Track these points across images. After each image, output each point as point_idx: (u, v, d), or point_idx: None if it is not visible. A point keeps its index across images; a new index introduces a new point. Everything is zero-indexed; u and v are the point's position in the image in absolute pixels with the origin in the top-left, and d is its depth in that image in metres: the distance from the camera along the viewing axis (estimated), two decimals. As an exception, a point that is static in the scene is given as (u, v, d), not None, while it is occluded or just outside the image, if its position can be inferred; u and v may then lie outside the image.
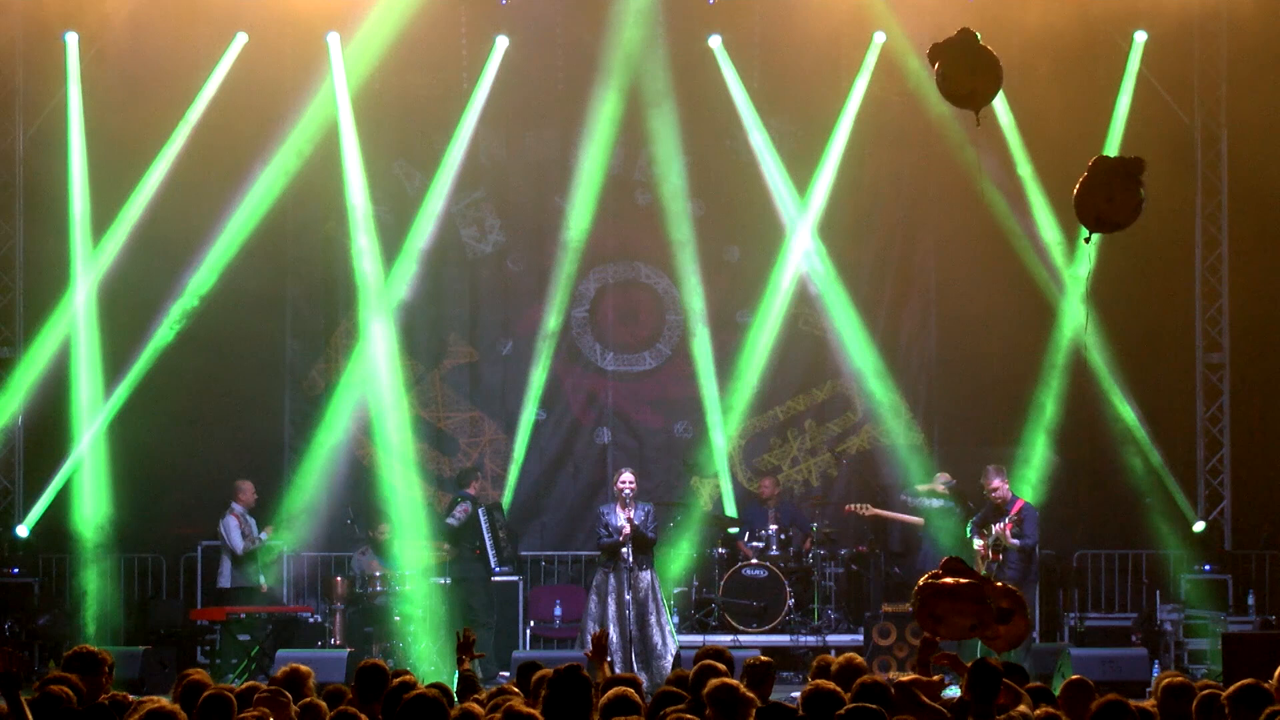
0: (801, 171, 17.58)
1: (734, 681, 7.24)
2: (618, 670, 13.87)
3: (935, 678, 7.75)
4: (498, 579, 16.04)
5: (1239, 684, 7.06)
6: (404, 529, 16.53)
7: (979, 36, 8.52)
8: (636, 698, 6.83)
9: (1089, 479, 17.28)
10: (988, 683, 7.25)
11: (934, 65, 8.44)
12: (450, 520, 15.88)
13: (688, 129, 17.54)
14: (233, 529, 15.70)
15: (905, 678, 7.37)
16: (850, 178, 17.52)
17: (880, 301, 17.79)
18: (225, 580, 15.78)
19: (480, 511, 15.80)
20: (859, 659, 8.21)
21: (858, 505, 16.24)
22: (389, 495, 17.27)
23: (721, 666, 7.89)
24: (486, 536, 15.70)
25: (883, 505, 16.61)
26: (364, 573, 15.85)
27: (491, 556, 15.72)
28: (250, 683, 7.84)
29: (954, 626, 7.92)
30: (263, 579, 15.89)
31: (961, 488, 15.80)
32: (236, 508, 15.81)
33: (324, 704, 7.28)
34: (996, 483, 14.98)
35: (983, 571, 14.95)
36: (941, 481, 15.99)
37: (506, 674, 13.86)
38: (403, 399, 17.50)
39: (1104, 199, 7.69)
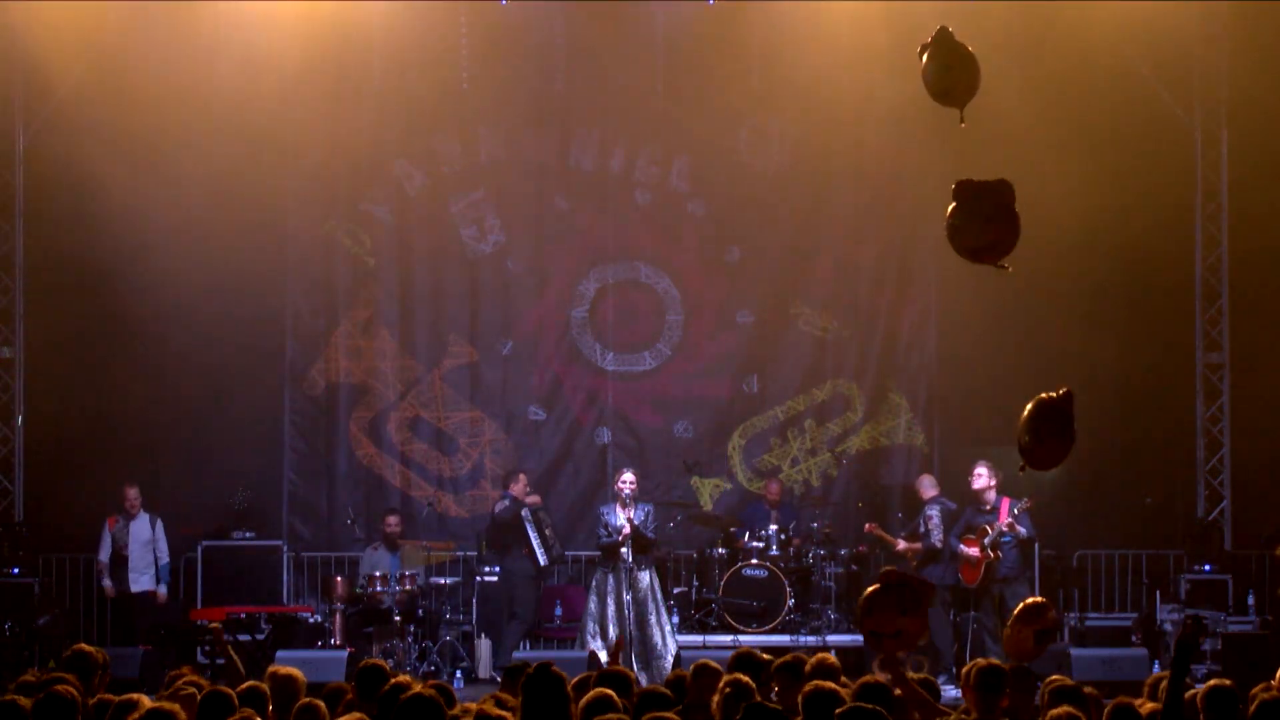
0: (801, 171, 17.61)
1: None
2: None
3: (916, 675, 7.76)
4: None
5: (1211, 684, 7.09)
6: (406, 529, 16.58)
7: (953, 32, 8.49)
8: (615, 697, 6.83)
9: (1089, 479, 17.28)
10: (993, 684, 7.25)
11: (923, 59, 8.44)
12: (497, 509, 15.94)
13: (688, 129, 17.58)
14: (104, 535, 15.88)
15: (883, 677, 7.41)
16: (851, 177, 17.54)
17: (880, 301, 17.80)
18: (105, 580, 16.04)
19: (524, 513, 15.83)
20: (831, 658, 8.26)
21: (872, 525, 16.31)
22: (390, 495, 17.32)
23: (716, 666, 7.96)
24: (532, 536, 15.77)
25: (883, 506, 16.91)
26: (371, 571, 15.86)
27: (540, 555, 15.81)
28: (251, 683, 7.83)
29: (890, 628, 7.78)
30: (160, 587, 16.00)
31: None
32: (118, 518, 15.91)
33: (322, 704, 7.28)
34: (981, 470, 15.17)
35: (980, 574, 15.05)
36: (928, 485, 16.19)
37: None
38: (403, 399, 17.52)
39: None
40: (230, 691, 7.31)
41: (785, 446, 17.77)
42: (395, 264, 17.63)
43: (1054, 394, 7.38)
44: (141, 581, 15.89)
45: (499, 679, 12.13)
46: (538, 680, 6.08)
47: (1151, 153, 17.00)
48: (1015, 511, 14.99)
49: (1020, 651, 7.92)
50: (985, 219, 7.66)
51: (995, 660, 7.53)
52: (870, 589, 7.41)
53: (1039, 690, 7.82)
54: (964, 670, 8.05)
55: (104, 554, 15.92)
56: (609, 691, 6.86)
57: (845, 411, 17.81)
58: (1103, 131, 16.80)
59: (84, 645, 8.30)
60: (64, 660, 8.12)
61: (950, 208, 7.78)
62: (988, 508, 15.24)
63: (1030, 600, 8.09)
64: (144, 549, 15.91)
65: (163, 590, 16.03)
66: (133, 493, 15.97)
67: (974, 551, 15.09)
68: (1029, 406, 7.40)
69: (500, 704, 7.13)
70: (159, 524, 16.03)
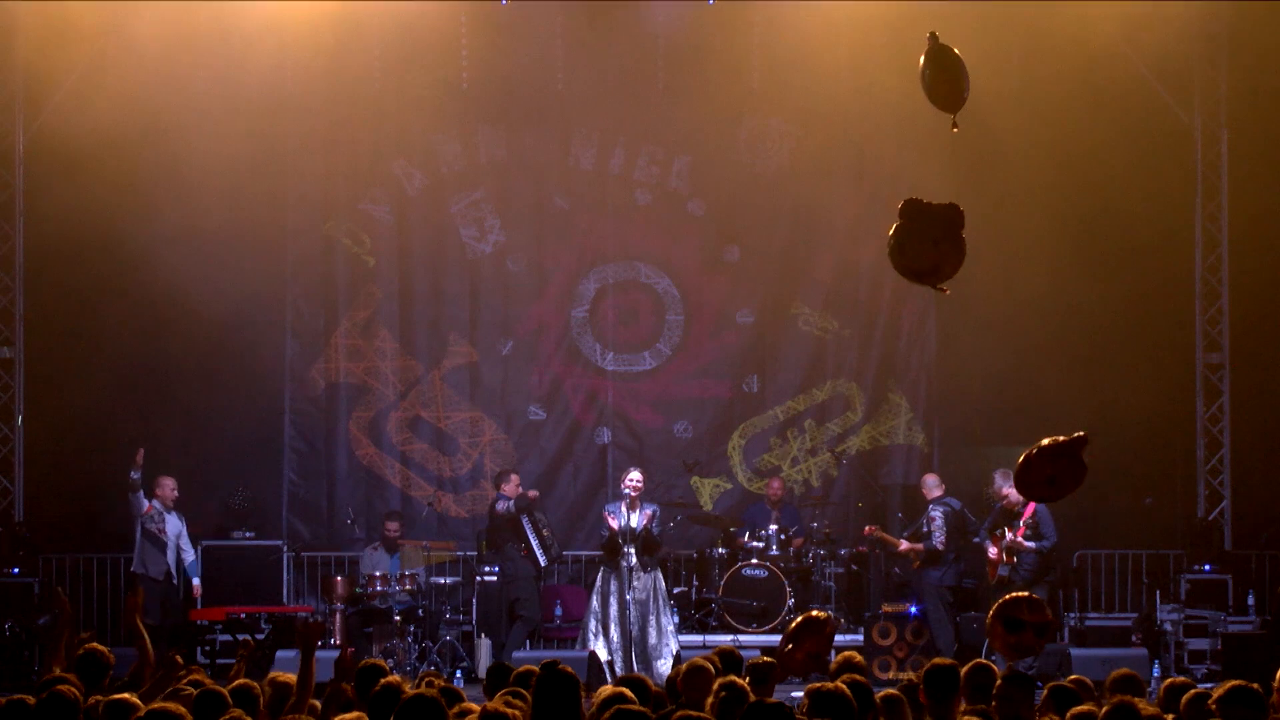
0: (801, 171, 17.62)
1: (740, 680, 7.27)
2: (619, 671, 13.94)
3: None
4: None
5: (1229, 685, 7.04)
6: (405, 529, 16.60)
7: (939, 37, 8.51)
8: (632, 696, 6.82)
9: (1089, 479, 17.21)
10: (944, 683, 7.15)
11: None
12: (499, 506, 15.87)
13: (688, 128, 17.59)
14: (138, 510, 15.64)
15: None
16: (850, 177, 17.55)
17: (880, 301, 17.81)
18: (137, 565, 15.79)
19: (522, 518, 15.81)
20: (858, 657, 8.24)
21: (872, 528, 16.24)
22: (390, 495, 17.33)
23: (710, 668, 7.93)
24: (531, 539, 15.76)
25: (883, 506, 16.90)
26: (371, 571, 15.87)
27: (540, 555, 15.79)
28: (242, 680, 7.83)
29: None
30: (195, 580, 15.92)
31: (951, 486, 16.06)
32: (154, 503, 15.66)
33: (319, 704, 7.29)
34: (1007, 489, 15.09)
35: (997, 574, 15.03)
36: (932, 484, 16.05)
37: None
38: (403, 399, 17.53)
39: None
40: (224, 691, 7.31)
41: (785, 446, 17.78)
42: (395, 264, 17.64)
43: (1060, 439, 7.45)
44: (162, 570, 15.76)
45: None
46: (548, 679, 6.07)
47: (1151, 153, 16.99)
48: (1031, 519, 14.98)
49: (993, 644, 7.89)
50: (933, 241, 7.64)
51: (948, 660, 7.45)
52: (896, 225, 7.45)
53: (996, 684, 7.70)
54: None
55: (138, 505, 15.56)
56: (626, 690, 6.86)
57: (845, 411, 17.82)
58: (1103, 131, 16.79)
59: (97, 645, 8.28)
60: (76, 660, 8.11)
61: (895, 225, 7.75)
62: (1016, 508, 15.20)
63: (1010, 596, 8.05)
64: (175, 542, 15.81)
65: (197, 582, 15.92)
66: (170, 483, 15.70)
67: (992, 553, 15.11)
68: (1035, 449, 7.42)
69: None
70: (184, 521, 15.95)
